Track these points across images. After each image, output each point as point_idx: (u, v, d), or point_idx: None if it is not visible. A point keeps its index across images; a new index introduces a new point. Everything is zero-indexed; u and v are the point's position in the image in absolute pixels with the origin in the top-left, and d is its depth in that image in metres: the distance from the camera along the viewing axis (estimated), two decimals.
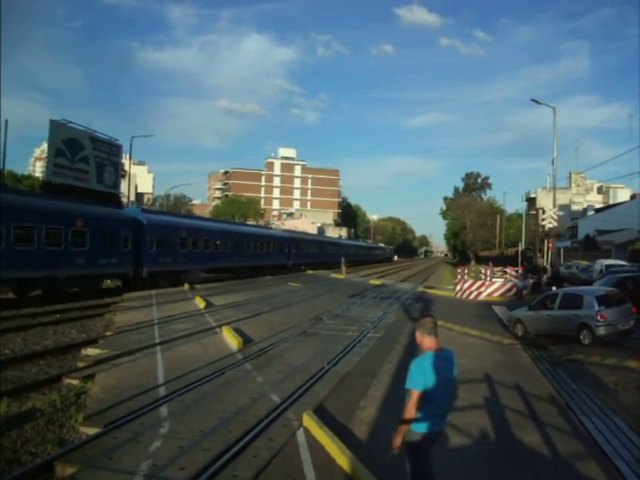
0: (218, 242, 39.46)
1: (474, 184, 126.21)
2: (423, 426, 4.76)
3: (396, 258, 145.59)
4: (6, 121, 37.35)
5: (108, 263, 26.92)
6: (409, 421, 4.71)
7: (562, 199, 66.67)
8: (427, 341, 4.85)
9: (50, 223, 22.96)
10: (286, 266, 53.38)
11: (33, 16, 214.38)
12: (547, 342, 15.70)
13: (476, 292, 30.50)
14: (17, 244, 20.80)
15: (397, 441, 4.78)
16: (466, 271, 33.58)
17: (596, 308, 14.72)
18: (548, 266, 37.35)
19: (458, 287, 31.77)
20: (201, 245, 36.69)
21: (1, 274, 19.13)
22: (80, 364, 12.11)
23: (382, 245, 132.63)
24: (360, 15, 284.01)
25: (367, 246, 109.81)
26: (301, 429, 7.67)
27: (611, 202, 77.79)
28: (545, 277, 33.15)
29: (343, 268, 52.88)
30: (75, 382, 10.56)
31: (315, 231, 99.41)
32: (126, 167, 52.07)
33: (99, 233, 26.44)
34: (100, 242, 26.25)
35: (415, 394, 4.65)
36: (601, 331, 14.56)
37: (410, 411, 4.68)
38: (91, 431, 7.65)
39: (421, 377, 4.66)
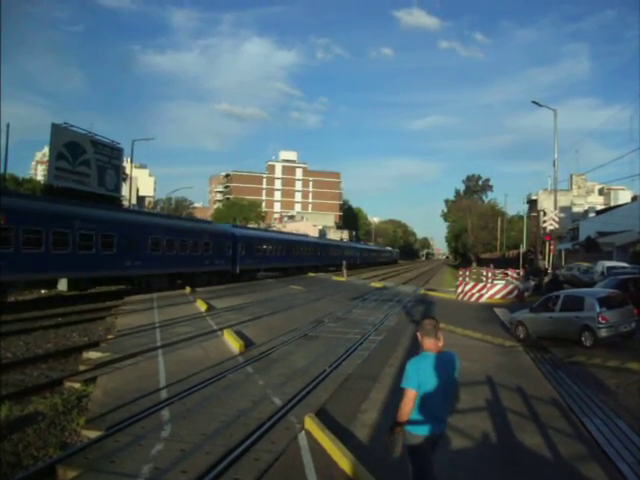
0: (276, 248, 50.28)
1: (475, 186, 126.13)
2: (422, 428, 4.73)
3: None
4: (7, 124, 37.50)
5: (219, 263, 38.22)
6: (402, 421, 4.68)
7: (563, 201, 66.78)
8: (426, 342, 4.82)
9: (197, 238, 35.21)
10: (318, 266, 63.87)
11: (35, 20, 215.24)
12: (549, 344, 15.68)
13: (477, 294, 30.50)
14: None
15: (390, 440, 4.79)
16: (467, 273, 33.56)
17: (597, 310, 14.69)
18: (550, 269, 37.31)
19: (459, 289, 31.78)
20: (267, 251, 47.68)
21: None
22: (82, 367, 12.11)
23: (389, 248, 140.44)
24: (359, 18, 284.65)
25: (377, 249, 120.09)
26: (303, 432, 7.67)
27: (612, 204, 77.64)
28: (545, 280, 33.05)
29: (344, 271, 53.03)
30: (77, 385, 10.55)
31: (317, 234, 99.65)
32: (127, 170, 52.13)
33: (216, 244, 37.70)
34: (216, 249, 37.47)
35: (409, 393, 4.65)
36: (603, 333, 14.54)
37: (404, 410, 4.66)
38: (93, 434, 7.65)
39: (415, 377, 4.65)
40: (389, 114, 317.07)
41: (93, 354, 13.40)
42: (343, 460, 6.50)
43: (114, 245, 26.28)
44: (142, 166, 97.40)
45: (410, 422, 4.70)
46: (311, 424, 7.72)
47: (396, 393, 10.03)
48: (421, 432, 4.73)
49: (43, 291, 27.50)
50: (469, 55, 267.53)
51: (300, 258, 57.82)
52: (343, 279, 49.99)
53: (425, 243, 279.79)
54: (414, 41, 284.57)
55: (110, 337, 15.94)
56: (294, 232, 76.28)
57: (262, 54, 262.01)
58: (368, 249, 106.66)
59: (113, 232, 26.28)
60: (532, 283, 33.35)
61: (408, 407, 4.65)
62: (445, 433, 5.22)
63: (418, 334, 4.94)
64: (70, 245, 23.30)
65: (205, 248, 35.96)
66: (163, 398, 9.39)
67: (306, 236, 71.25)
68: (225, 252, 39.00)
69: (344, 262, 56.10)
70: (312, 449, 7.06)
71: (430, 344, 4.80)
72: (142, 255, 28.80)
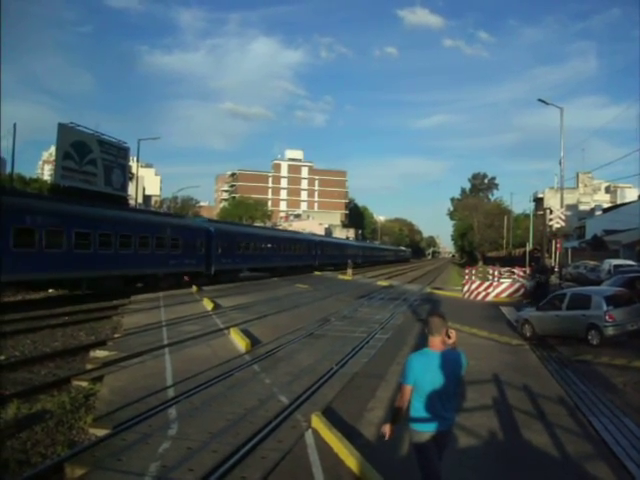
0: (263, 246, 46.92)
1: (481, 185, 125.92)
2: (427, 425, 4.72)
3: None
4: (14, 125, 37.65)
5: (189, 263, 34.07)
6: (397, 414, 4.76)
7: (569, 199, 66.51)
8: (430, 340, 4.80)
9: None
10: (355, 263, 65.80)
11: (43, 20, 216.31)
12: (555, 343, 15.65)
13: (484, 293, 30.45)
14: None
15: (386, 428, 4.76)
16: (474, 272, 33.51)
17: (604, 308, 14.68)
18: (552, 269, 37.16)
19: (466, 288, 31.73)
20: (251, 248, 43.77)
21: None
22: (89, 366, 12.15)
23: (403, 248, 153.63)
24: (363, 17, 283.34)
25: (394, 249, 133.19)
26: (309, 430, 7.68)
27: (619, 202, 77.19)
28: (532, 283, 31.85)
29: (349, 270, 53.22)
30: (84, 384, 10.59)
31: (323, 232, 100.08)
32: (133, 169, 52.24)
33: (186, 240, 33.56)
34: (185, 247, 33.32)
35: (404, 388, 4.71)
36: (610, 331, 14.51)
37: (398, 404, 4.76)
38: (100, 433, 7.68)
39: (411, 373, 4.68)
40: (395, 113, 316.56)
41: (100, 353, 13.45)
42: (350, 458, 6.50)
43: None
44: (148, 165, 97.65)
45: (414, 420, 4.74)
46: (318, 422, 7.73)
47: None
48: (426, 429, 4.72)
49: (50, 290, 27.59)
50: (474, 54, 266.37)
51: (323, 256, 59.49)
52: (349, 278, 50.00)
53: (431, 242, 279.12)
54: (418, 40, 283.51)
55: (117, 336, 16.00)
56: (302, 231, 77.89)
57: (268, 53, 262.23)
58: (386, 248, 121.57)
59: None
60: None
61: (402, 401, 4.71)
62: (452, 431, 5.21)
63: (426, 331, 4.91)
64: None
65: (172, 245, 31.58)
66: (170, 396, 9.41)
67: (334, 237, 76.04)
68: (197, 250, 34.70)
69: (349, 261, 56.61)
70: (319, 447, 7.06)
71: (434, 342, 4.78)
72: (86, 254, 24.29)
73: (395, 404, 4.83)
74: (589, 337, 14.90)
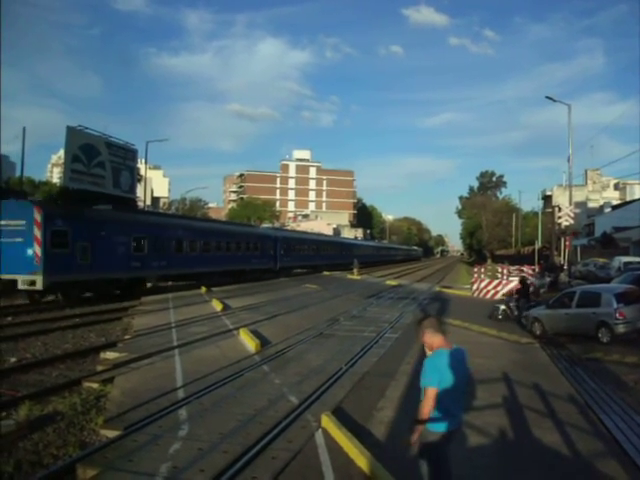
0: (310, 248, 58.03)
1: (489, 183, 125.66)
2: (440, 425, 4.75)
3: None
4: (24, 128, 37.88)
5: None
6: (426, 420, 4.70)
7: (578, 196, 66.18)
8: (437, 339, 4.84)
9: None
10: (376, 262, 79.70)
11: (52, 25, 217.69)
12: (565, 340, 15.60)
13: (493, 291, 30.36)
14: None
15: (414, 439, 4.80)
16: (482, 270, 33.43)
17: (615, 306, 14.63)
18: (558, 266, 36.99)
19: (475, 286, 31.67)
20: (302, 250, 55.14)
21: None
22: (99, 367, 12.21)
23: (416, 247, 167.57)
24: (368, 16, 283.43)
25: (407, 248, 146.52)
26: (320, 430, 7.68)
27: (628, 199, 76.58)
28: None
29: (355, 270, 53.50)
30: (95, 385, 10.65)
31: (331, 233, 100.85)
32: (142, 171, 52.43)
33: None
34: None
35: (431, 392, 4.65)
36: (620, 329, 14.46)
37: (426, 409, 4.67)
38: (111, 434, 7.71)
39: (436, 374, 4.66)
40: (402, 112, 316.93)
41: (110, 354, 13.50)
42: (360, 458, 6.50)
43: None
44: (156, 167, 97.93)
45: (429, 419, 4.72)
46: (328, 422, 7.73)
47: (412, 391, 10.04)
48: (439, 429, 4.75)
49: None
50: (480, 52, 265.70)
51: (345, 256, 67.56)
52: (358, 277, 50.00)
53: (440, 240, 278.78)
54: (424, 38, 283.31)
55: (127, 337, 16.07)
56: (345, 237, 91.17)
57: (275, 54, 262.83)
58: (402, 248, 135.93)
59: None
60: (548, 279, 33.15)
61: (429, 405, 4.65)
62: (461, 428, 5.23)
63: (427, 333, 4.89)
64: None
65: (254, 249, 43.05)
66: (180, 397, 9.44)
67: (355, 239, 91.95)
68: (269, 252, 45.48)
69: (355, 260, 57.48)
70: (329, 447, 7.07)
71: (440, 341, 4.84)
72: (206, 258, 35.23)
73: (422, 411, 4.71)
74: (599, 335, 14.85)
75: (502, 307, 20.73)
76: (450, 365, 4.71)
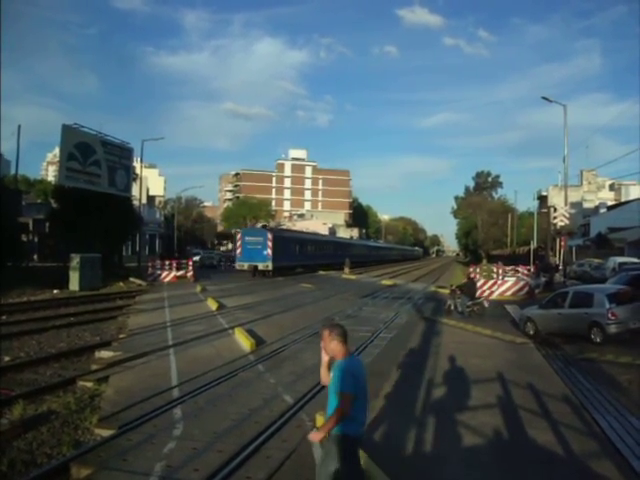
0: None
1: (485, 183, 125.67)
2: (354, 428, 4.86)
3: None
4: (19, 126, 37.76)
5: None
6: (337, 423, 4.74)
7: (573, 197, 66.24)
8: (344, 348, 4.91)
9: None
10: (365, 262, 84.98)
11: (48, 23, 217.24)
12: (560, 341, 15.63)
13: (488, 291, 30.39)
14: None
15: (317, 437, 4.96)
16: (478, 270, 33.46)
17: (607, 306, 14.66)
18: (559, 264, 37.08)
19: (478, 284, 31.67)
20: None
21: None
22: (94, 366, 12.19)
23: (416, 248, 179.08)
24: (362, 17, 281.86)
25: (410, 249, 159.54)
26: (314, 430, 7.68)
27: (623, 199, 76.81)
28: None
29: (347, 269, 55.09)
30: (89, 384, 10.63)
31: (327, 232, 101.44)
32: (137, 170, 52.33)
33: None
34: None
35: (349, 397, 4.71)
36: (612, 329, 14.48)
37: (345, 413, 4.70)
38: (105, 433, 7.71)
39: (352, 380, 4.76)
40: (398, 112, 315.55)
41: (105, 353, 13.50)
42: None
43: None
44: (152, 166, 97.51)
45: (349, 425, 4.79)
46: (322, 421, 7.72)
47: (407, 391, 10.07)
48: (354, 432, 4.86)
49: (55, 291, 27.72)
50: (476, 53, 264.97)
51: (358, 256, 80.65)
52: (353, 277, 50.02)
53: (435, 240, 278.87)
54: (418, 39, 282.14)
55: (122, 336, 16.06)
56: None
57: (271, 54, 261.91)
58: (404, 248, 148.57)
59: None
60: (543, 279, 33.22)
61: (348, 409, 4.71)
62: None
63: (334, 342, 4.93)
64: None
65: (335, 249, 69.22)
66: (175, 397, 9.44)
67: (375, 240, 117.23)
68: (346, 253, 68.30)
69: (347, 259, 59.76)
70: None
71: (346, 350, 4.94)
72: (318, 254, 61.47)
73: (340, 416, 4.70)
74: (592, 335, 14.88)
75: (449, 302, 22.28)
76: (361, 372, 4.96)
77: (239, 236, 46.26)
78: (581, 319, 15.37)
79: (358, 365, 5.01)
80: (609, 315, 14.49)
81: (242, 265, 44.34)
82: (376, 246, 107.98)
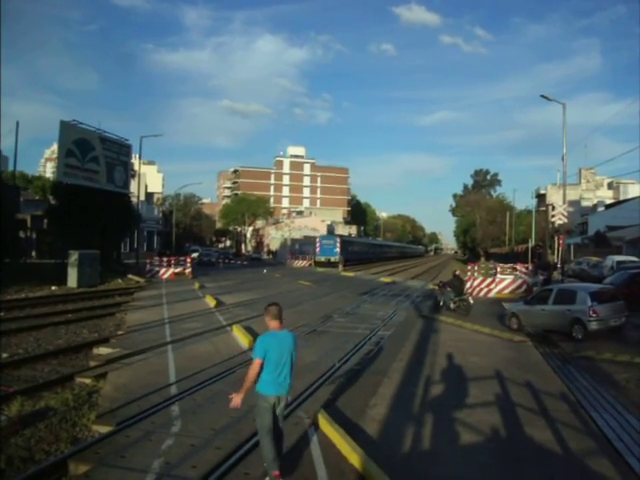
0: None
1: (483, 181, 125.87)
2: (268, 389, 5.97)
3: None
4: (17, 123, 37.71)
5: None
6: (249, 383, 5.94)
7: (572, 195, 66.21)
8: (272, 323, 6.16)
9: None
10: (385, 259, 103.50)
11: (49, 20, 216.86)
12: (558, 339, 15.66)
13: (486, 289, 30.41)
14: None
15: (237, 400, 6.00)
16: (476, 268, 33.49)
17: (589, 304, 15.08)
18: (559, 263, 37.10)
19: (468, 284, 31.61)
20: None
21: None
22: (92, 363, 12.19)
23: (420, 246, 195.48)
24: (359, 15, 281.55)
25: (415, 247, 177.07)
26: (312, 427, 7.69)
27: (621, 198, 76.73)
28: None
29: (340, 266, 60.15)
30: (87, 381, 10.63)
31: (325, 229, 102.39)
32: (136, 167, 52.26)
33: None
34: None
35: (257, 362, 5.92)
36: (593, 326, 14.93)
37: (250, 375, 5.93)
38: (103, 429, 7.71)
39: (262, 349, 5.92)
40: (398, 110, 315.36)
41: (103, 350, 13.50)
42: (352, 454, 6.52)
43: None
44: (150, 162, 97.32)
45: (259, 384, 5.98)
46: (321, 419, 7.74)
47: (405, 388, 10.08)
48: (266, 392, 5.97)
49: (53, 288, 27.69)
50: (476, 51, 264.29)
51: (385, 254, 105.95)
52: (351, 274, 50.02)
53: (434, 238, 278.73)
54: (416, 37, 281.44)
55: (120, 333, 16.05)
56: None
57: (271, 52, 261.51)
58: (410, 246, 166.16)
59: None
60: (541, 277, 33.23)
61: (254, 372, 5.92)
62: (288, 397, 6.33)
63: (266, 317, 6.23)
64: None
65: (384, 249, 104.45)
66: (173, 393, 9.44)
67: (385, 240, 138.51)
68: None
69: (341, 257, 70.17)
70: (321, 444, 7.09)
71: (275, 324, 6.15)
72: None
73: (247, 377, 5.96)
74: (573, 331, 15.31)
75: (438, 298, 22.97)
76: (277, 343, 6.00)
77: (318, 239, 71.61)
78: (564, 316, 15.79)
79: (276, 337, 6.05)
80: (590, 312, 14.93)
81: (320, 259, 68.08)
82: (396, 245, 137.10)
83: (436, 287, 26.77)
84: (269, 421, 5.96)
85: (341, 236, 78.71)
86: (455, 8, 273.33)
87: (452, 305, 21.76)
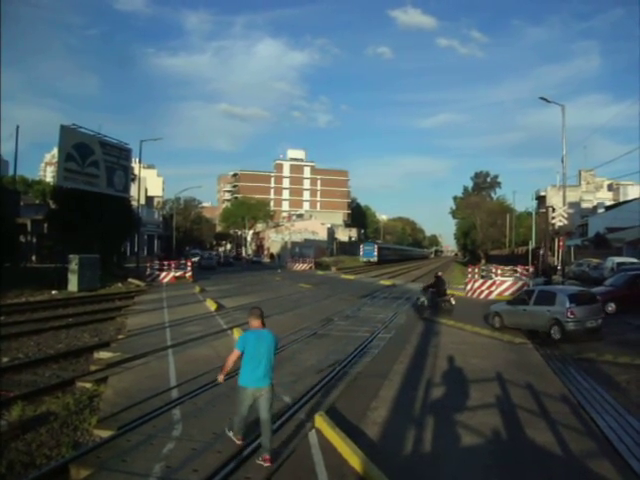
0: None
1: (483, 183, 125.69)
2: (245, 380, 6.73)
3: None
4: (17, 127, 37.70)
5: None
6: (225, 369, 7.06)
7: (572, 197, 66.17)
8: (254, 322, 7.03)
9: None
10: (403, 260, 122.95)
11: (51, 24, 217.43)
12: (559, 340, 15.67)
13: (487, 291, 30.39)
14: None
15: (220, 378, 7.36)
16: (476, 270, 33.48)
17: (567, 305, 15.60)
18: (559, 266, 37.09)
19: (469, 286, 31.65)
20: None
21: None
22: (93, 367, 12.19)
23: (425, 249, 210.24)
24: (355, 18, 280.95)
25: (420, 250, 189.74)
26: (313, 430, 7.69)
27: (621, 199, 76.67)
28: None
29: (333, 268, 56.17)
30: (88, 385, 10.63)
31: (325, 232, 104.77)
32: (136, 171, 52.27)
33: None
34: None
35: (235, 352, 6.87)
36: (570, 327, 15.49)
37: (227, 362, 6.98)
38: (105, 434, 7.71)
39: (241, 343, 6.84)
40: (397, 113, 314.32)
41: (104, 354, 13.50)
42: (353, 458, 6.52)
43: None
44: (150, 166, 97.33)
45: (239, 378, 6.82)
46: (321, 422, 7.73)
47: (406, 391, 10.07)
48: (244, 383, 6.75)
49: (54, 292, 27.71)
50: (475, 54, 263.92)
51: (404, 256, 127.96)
52: (352, 277, 50.01)
53: (434, 240, 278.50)
54: (413, 40, 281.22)
55: (120, 337, 16.06)
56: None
57: (272, 55, 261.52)
58: (420, 250, 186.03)
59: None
60: (541, 279, 33.22)
61: (231, 358, 6.92)
62: (268, 388, 6.77)
63: (249, 318, 7.15)
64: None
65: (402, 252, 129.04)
66: (174, 397, 9.45)
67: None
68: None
69: (329, 259, 78.04)
70: (322, 447, 7.08)
71: (256, 323, 7.02)
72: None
73: (225, 363, 7.02)
74: (552, 332, 15.82)
75: (422, 298, 23.47)
76: (256, 339, 6.81)
77: (362, 245, 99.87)
78: (543, 316, 16.32)
79: (256, 334, 6.89)
80: (568, 314, 15.44)
81: (363, 259, 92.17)
82: (411, 249, 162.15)
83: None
84: (244, 410, 6.88)
85: (377, 243, 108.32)
86: (451, 11, 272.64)
87: (435, 304, 22.78)
